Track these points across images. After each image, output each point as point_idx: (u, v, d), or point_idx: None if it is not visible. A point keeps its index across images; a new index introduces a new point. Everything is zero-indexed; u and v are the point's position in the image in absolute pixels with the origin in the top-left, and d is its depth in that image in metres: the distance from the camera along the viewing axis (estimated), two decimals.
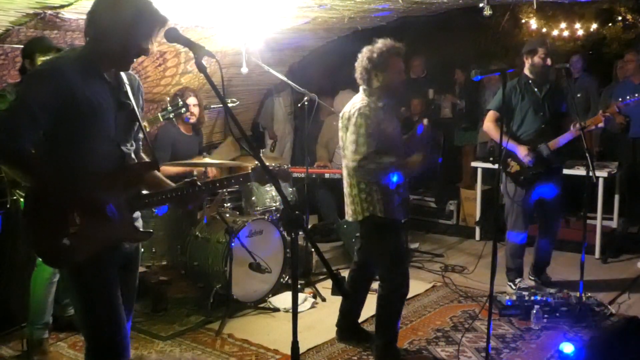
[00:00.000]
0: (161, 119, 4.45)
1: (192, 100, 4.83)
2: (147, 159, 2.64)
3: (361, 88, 3.63)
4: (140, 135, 2.55)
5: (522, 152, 4.60)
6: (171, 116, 4.48)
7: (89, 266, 2.30)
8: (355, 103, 3.58)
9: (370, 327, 4.05)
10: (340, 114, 3.66)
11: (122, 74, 2.41)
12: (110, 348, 2.40)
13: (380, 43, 3.54)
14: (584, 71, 7.32)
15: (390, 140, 3.57)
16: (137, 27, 2.23)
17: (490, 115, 4.77)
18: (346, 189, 3.68)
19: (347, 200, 3.69)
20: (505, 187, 4.78)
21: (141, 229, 2.54)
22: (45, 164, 2.30)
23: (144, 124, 2.71)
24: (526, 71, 4.74)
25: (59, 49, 3.64)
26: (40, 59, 3.54)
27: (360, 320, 4.08)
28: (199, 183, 2.52)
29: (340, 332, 4.00)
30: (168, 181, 2.60)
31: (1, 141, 2.15)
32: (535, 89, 4.66)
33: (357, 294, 3.97)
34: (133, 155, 2.50)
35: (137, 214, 2.54)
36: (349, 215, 3.70)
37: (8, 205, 3.70)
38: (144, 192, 2.51)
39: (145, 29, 2.25)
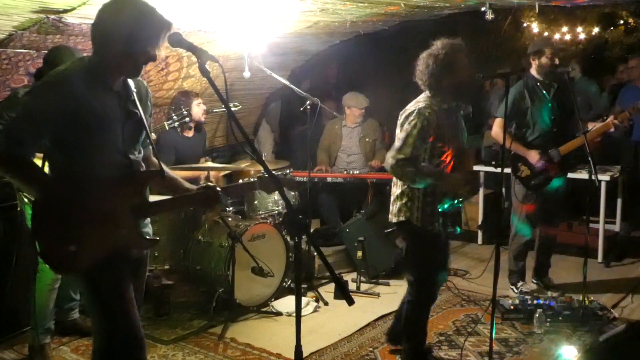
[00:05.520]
0: (167, 127, 4.57)
1: (196, 101, 4.99)
2: (156, 164, 2.65)
3: (425, 92, 3.44)
4: (153, 135, 2.57)
5: (533, 157, 4.58)
6: (176, 125, 4.61)
7: (98, 267, 2.31)
8: (418, 101, 3.41)
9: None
10: (401, 112, 3.45)
11: (130, 81, 2.41)
12: (127, 345, 2.39)
13: (440, 43, 3.38)
14: (583, 75, 7.32)
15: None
16: (142, 34, 2.24)
17: (499, 122, 4.64)
18: (392, 188, 3.54)
19: (391, 198, 3.55)
20: (513, 189, 4.77)
21: (148, 237, 2.54)
22: (44, 172, 2.32)
23: (152, 135, 2.71)
24: (533, 72, 4.67)
25: None
26: None
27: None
28: (218, 188, 2.53)
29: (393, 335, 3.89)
30: (187, 185, 2.63)
31: (5, 148, 2.17)
32: (544, 91, 4.62)
33: None
34: (142, 162, 2.51)
35: (147, 220, 2.55)
36: (391, 214, 3.53)
37: (19, 208, 3.72)
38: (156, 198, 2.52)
39: (150, 35, 2.25)
